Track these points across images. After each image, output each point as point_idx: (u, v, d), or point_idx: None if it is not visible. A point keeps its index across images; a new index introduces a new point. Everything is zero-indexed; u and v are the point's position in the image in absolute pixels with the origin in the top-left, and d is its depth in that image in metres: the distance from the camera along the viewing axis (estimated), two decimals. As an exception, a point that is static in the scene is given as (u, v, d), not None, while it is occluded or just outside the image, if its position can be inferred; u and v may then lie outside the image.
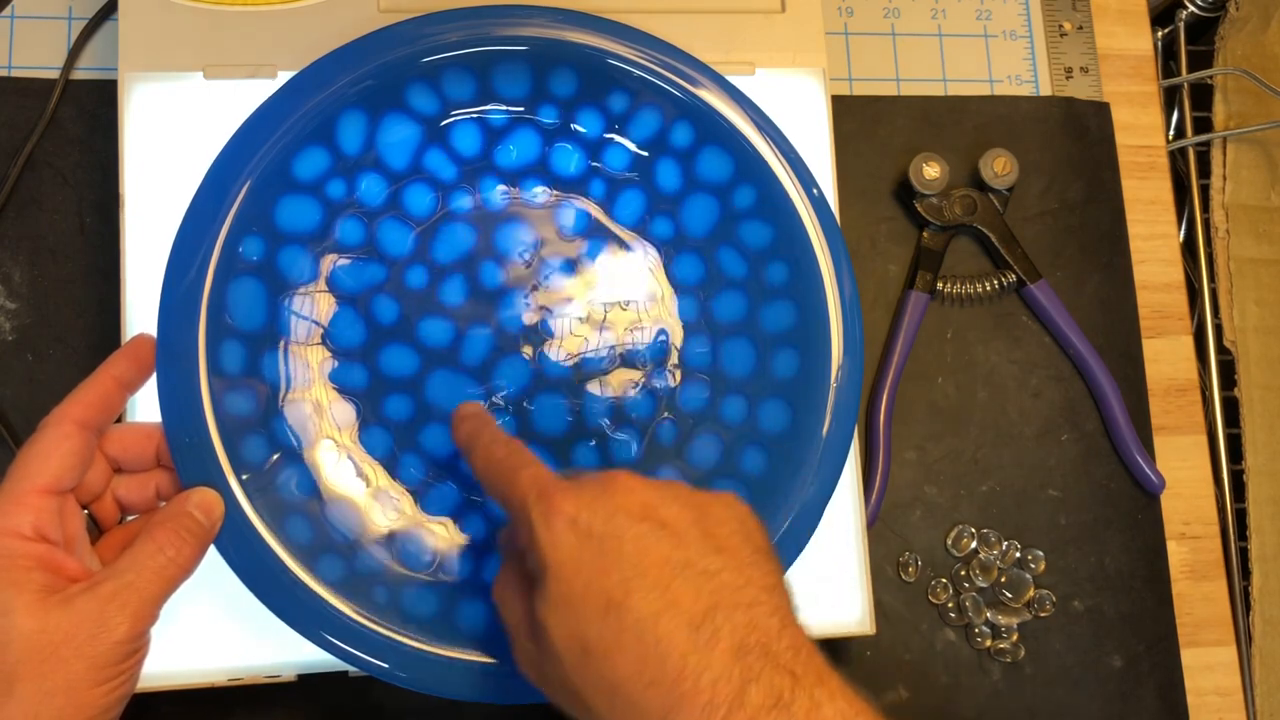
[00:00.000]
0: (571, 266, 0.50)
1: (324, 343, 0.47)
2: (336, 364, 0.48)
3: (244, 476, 0.44)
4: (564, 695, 0.36)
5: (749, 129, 0.48)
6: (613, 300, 0.50)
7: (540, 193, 0.50)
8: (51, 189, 0.52)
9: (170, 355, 0.44)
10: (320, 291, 0.47)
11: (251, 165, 0.45)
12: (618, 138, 0.50)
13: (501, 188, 0.50)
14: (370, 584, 0.45)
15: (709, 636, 0.33)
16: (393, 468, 0.47)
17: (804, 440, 0.47)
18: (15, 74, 0.53)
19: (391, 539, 0.46)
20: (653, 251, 0.50)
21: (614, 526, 0.35)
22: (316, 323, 0.47)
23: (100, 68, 0.54)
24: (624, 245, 0.50)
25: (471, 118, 0.49)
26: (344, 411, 0.47)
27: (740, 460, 0.48)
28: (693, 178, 0.50)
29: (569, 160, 0.50)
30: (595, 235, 0.50)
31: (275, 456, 0.45)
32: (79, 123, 0.53)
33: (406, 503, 0.47)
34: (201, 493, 0.42)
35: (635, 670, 0.33)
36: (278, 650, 0.47)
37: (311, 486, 0.46)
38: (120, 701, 0.39)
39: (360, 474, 0.47)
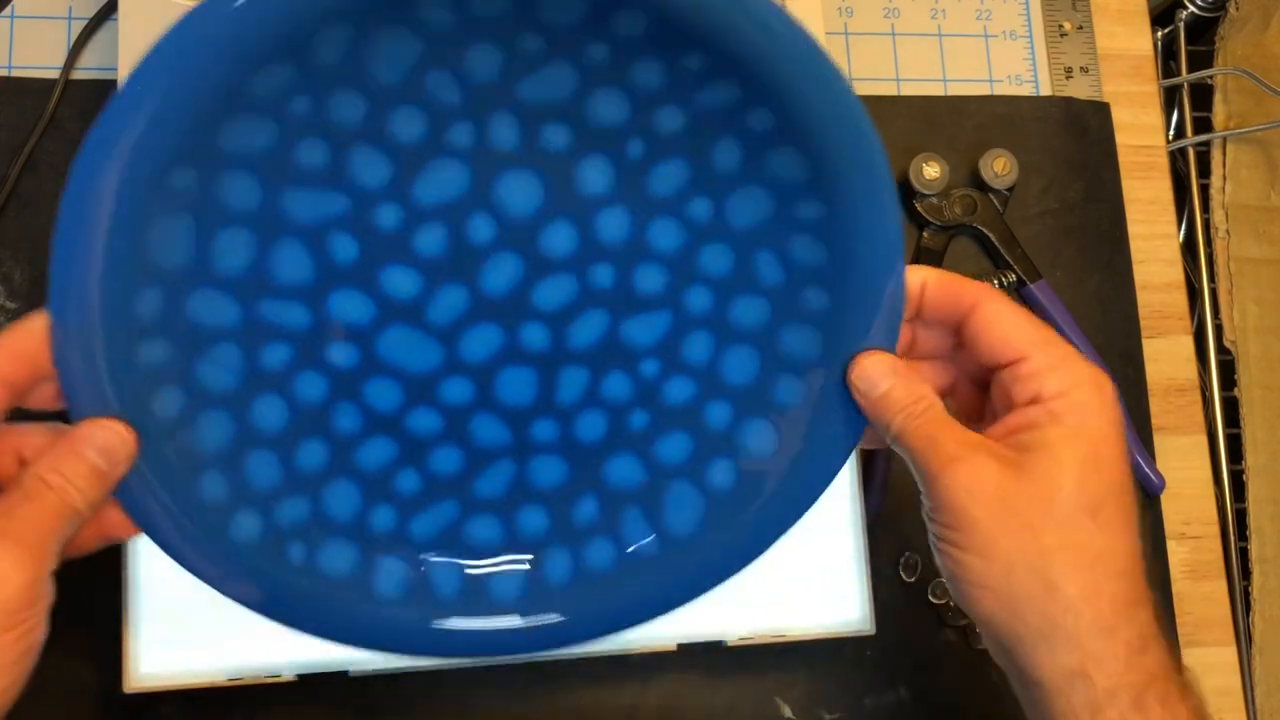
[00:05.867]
0: (578, 232, 0.42)
1: (262, 279, 0.40)
2: (274, 302, 0.40)
3: (152, 427, 0.38)
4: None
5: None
6: (615, 277, 0.42)
7: (562, 141, 0.41)
8: (51, 189, 0.52)
9: (65, 298, 0.36)
10: (264, 221, 0.39)
11: (187, 66, 0.36)
12: (676, 101, 0.40)
13: (515, 126, 0.40)
14: (288, 539, 0.41)
15: None
16: (325, 416, 0.42)
17: (784, 466, 0.42)
18: (15, 74, 0.53)
19: (316, 492, 0.42)
20: (680, 232, 0.42)
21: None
22: (256, 255, 0.40)
23: (100, 68, 0.54)
24: (646, 219, 0.42)
25: (497, 36, 0.39)
26: (277, 354, 0.41)
27: (707, 471, 0.43)
28: (757, 168, 0.41)
29: (609, 110, 0.40)
30: (614, 202, 0.42)
31: (191, 403, 0.39)
32: (79, 123, 0.52)
33: (337, 455, 0.42)
34: (95, 427, 0.37)
35: None
36: (278, 650, 0.47)
37: (232, 435, 0.40)
38: (30, 651, 0.35)
39: (289, 422, 0.41)
